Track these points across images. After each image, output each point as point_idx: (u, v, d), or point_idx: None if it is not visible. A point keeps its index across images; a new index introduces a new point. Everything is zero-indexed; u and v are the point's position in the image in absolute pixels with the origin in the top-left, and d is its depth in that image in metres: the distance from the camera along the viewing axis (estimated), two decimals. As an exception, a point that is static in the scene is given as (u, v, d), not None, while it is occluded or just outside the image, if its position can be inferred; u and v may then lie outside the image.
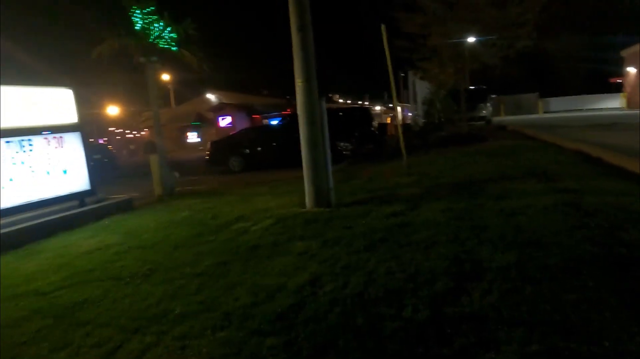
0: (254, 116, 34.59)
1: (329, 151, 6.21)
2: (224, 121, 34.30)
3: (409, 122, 25.57)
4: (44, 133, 6.59)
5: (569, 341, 2.02)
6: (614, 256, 2.97)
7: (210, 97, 39.82)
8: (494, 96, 26.51)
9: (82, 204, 7.18)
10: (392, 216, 4.82)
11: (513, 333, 2.15)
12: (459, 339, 2.17)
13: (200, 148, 31.06)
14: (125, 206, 7.73)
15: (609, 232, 3.44)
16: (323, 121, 6.06)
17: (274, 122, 21.38)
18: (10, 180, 6.04)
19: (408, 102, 25.37)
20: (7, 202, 5.97)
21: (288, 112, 26.89)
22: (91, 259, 4.72)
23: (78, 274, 4.22)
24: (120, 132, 47.22)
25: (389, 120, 12.14)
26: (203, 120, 36.56)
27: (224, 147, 14.43)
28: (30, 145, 6.37)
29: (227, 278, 3.65)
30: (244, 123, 31.90)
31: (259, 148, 13.70)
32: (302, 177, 6.09)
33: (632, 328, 2.09)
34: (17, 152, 6.16)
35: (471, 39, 15.65)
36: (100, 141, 34.78)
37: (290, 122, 14.52)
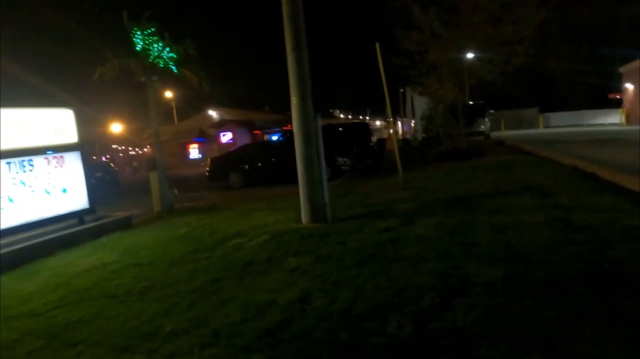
0: (255, 132, 34.91)
1: (324, 167, 6.30)
2: (225, 137, 34.62)
3: (408, 137, 25.73)
4: (45, 153, 6.71)
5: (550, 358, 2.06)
6: (598, 272, 3.00)
7: (212, 113, 40.27)
8: (492, 111, 26.70)
9: (81, 222, 7.26)
10: (385, 232, 4.87)
11: (494, 350, 2.18)
12: (440, 354, 2.20)
13: (202, 164, 31.29)
14: (124, 224, 7.80)
15: (596, 249, 3.48)
16: (318, 138, 6.17)
17: (275, 138, 21.56)
18: (10, 200, 6.14)
19: (407, 117, 25.59)
20: (7, 223, 6.05)
21: (289, 127, 27.16)
22: (88, 277, 4.77)
23: (74, 293, 4.27)
24: (123, 149, 47.67)
25: (393, 135, 12.22)
26: (205, 137, 36.90)
27: (223, 163, 14.55)
28: (31, 165, 6.49)
29: (219, 294, 3.69)
30: (245, 139, 32.18)
31: (259, 164, 13.81)
32: (299, 194, 6.16)
33: (610, 344, 2.12)
34: (17, 173, 6.27)
35: (469, 55, 15.87)
36: (103, 158, 35.10)
37: (290, 138, 14.66)
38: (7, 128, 6.15)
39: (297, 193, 6.26)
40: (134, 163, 36.77)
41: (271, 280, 3.84)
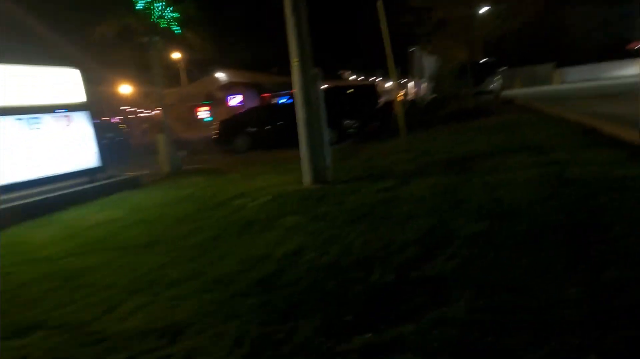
0: (263, 95, 34.57)
1: (325, 130, 6.37)
2: (234, 100, 34.40)
3: (416, 97, 25.29)
4: (53, 111, 6.89)
5: (511, 297, 2.24)
6: (576, 223, 3.15)
7: (220, 76, 39.80)
8: (504, 68, 25.81)
9: (92, 180, 7.54)
10: (381, 192, 5.02)
11: (465, 293, 2.37)
12: (416, 298, 2.39)
13: (212, 127, 31.36)
14: (134, 184, 8.07)
15: (580, 200, 3.61)
16: (319, 100, 6.21)
17: (284, 101, 21.39)
18: (24, 156, 6.40)
19: (418, 77, 25.01)
20: (22, 176, 6.35)
21: (297, 90, 26.79)
22: (99, 231, 5.06)
23: (86, 244, 4.57)
24: (133, 111, 47.77)
25: (400, 97, 11.99)
26: (213, 99, 36.72)
27: (231, 126, 14.60)
28: (39, 122, 6.69)
29: (219, 249, 3.92)
30: (254, 102, 31.95)
31: (266, 127, 13.85)
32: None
33: (568, 285, 2.30)
34: (26, 129, 6.49)
35: (480, 10, 15.29)
36: (113, 120, 35.31)
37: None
38: (14, 84, 6.31)
39: (302, 156, 6.38)
40: (144, 126, 37.02)
41: (268, 237, 4.05)
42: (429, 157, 7.24)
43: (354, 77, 60.92)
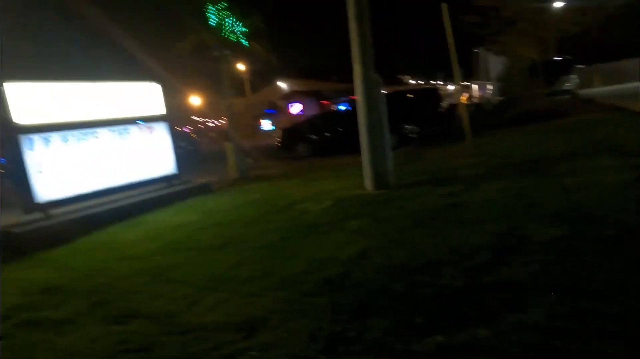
0: (323, 102, 35.14)
1: (387, 134, 6.38)
2: (295, 108, 35.33)
3: (481, 100, 24.22)
4: (138, 123, 7.62)
5: (596, 304, 2.12)
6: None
7: (281, 85, 41.13)
8: (582, 66, 23.85)
9: (169, 186, 8.19)
10: (446, 196, 4.93)
11: (544, 299, 2.28)
12: (490, 303, 2.34)
13: (273, 135, 32.49)
14: (205, 189, 8.63)
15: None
16: (381, 105, 6.24)
17: (343, 107, 21.59)
18: (115, 163, 7.15)
19: (482, 80, 23.96)
20: (111, 182, 7.09)
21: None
22: (178, 232, 5.51)
23: (168, 244, 5.00)
24: (201, 120, 50.84)
25: (463, 99, 11.52)
26: (275, 108, 38.00)
27: (293, 133, 15.06)
28: (128, 133, 7.43)
29: (286, 251, 4.11)
30: (314, 110, 32.57)
31: (326, 134, 14.09)
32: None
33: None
34: (117, 140, 7.24)
35: (555, 5, 14.30)
36: (184, 129, 37.80)
37: (356, 107, 14.67)
38: (106, 99, 7.09)
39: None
40: (212, 134, 39.25)
41: (333, 240, 4.17)
42: (497, 160, 6.95)
43: (413, 81, 59.73)
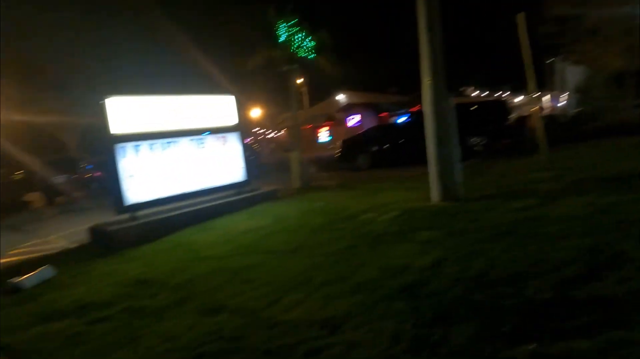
0: (381, 114, 35.08)
1: (456, 146, 6.30)
2: (353, 120, 35.61)
3: (555, 112, 22.83)
4: (214, 133, 8.17)
5: None
6: None
7: (339, 97, 41.69)
8: None
9: (239, 193, 8.65)
10: (522, 210, 4.76)
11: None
12: (583, 317, 2.26)
13: (331, 147, 32.93)
14: (271, 196, 9.00)
15: None
16: (450, 117, 6.19)
17: (402, 120, 21.45)
18: (192, 170, 7.72)
19: (556, 91, 22.63)
20: (188, 188, 7.65)
21: (416, 108, 26.59)
22: (249, 236, 5.82)
23: (241, 246, 5.31)
24: (262, 132, 52.81)
25: (535, 111, 10.90)
26: (333, 120, 38.56)
27: (353, 145, 15.23)
28: (204, 142, 8.00)
29: (356, 258, 4.20)
30: (372, 122, 32.60)
31: (387, 146, 14.10)
32: (428, 173, 6.31)
33: None
34: (195, 149, 7.82)
35: None
36: (247, 140, 39.50)
37: (417, 119, 14.54)
38: (187, 111, 7.71)
39: (425, 174, 6.41)
40: (272, 145, 40.61)
41: (403, 250, 4.20)
42: (577, 174, 6.57)
43: (477, 92, 57.57)
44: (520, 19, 7.32)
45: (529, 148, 11.26)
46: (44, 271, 5.06)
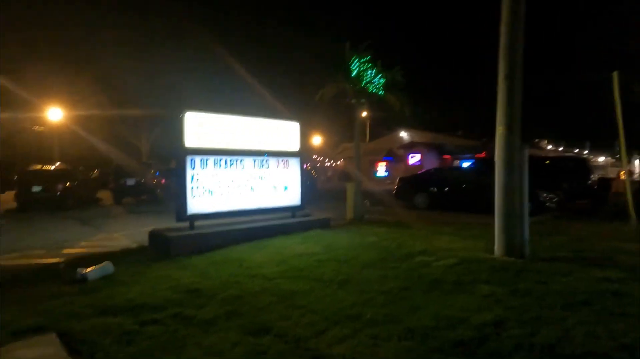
0: (444, 156, 34.29)
1: (527, 201, 5.93)
2: (413, 159, 35.15)
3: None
4: (277, 156, 8.41)
5: None
6: None
7: (403, 134, 41.53)
8: None
9: (293, 216, 8.73)
10: (603, 282, 4.30)
11: None
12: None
13: (388, 182, 32.58)
14: (324, 224, 8.98)
15: None
16: (523, 169, 5.87)
17: (466, 164, 20.80)
18: (252, 189, 7.95)
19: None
20: (249, 205, 7.87)
21: (483, 155, 25.68)
22: (300, 261, 5.79)
23: (291, 269, 5.29)
24: (320, 159, 53.74)
25: (622, 176, 9.93)
26: (393, 156, 38.34)
27: (411, 183, 14.93)
28: (267, 164, 8.24)
29: (409, 301, 4.01)
30: (433, 162, 31.95)
31: (447, 189, 13.65)
32: (489, 224, 5.99)
33: None
34: (258, 168, 8.08)
35: None
36: (305, 166, 40.34)
37: (483, 166, 14.00)
38: (254, 132, 8.03)
39: (487, 224, 6.09)
40: (328, 173, 41.06)
41: (461, 301, 3.94)
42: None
43: (551, 146, 54.44)
44: (615, 77, 6.89)
45: (612, 213, 10.31)
46: (106, 267, 5.34)
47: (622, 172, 7.86)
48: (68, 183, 15.78)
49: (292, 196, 8.74)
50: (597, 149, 52.06)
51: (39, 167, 16.20)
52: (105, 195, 19.59)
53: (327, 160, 54.61)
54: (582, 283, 4.29)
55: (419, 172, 18.63)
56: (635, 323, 3.16)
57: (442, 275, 4.93)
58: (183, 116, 7.01)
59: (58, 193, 15.24)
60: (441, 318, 3.46)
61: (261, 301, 4.05)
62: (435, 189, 13.78)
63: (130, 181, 18.25)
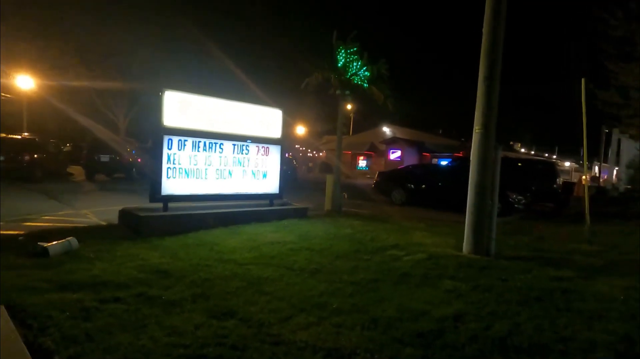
0: (424, 153, 34.79)
1: (496, 201, 6.12)
2: (394, 154, 35.50)
3: (605, 184, 21.74)
4: (257, 142, 8.36)
5: None
6: None
7: (385, 129, 41.81)
8: None
9: (270, 204, 8.74)
10: (556, 280, 4.52)
11: None
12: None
13: (368, 176, 32.86)
14: (301, 213, 9.02)
15: None
16: (495, 170, 6.04)
17: (444, 163, 21.17)
18: (230, 173, 7.90)
19: (609, 163, 21.59)
20: (225, 190, 7.82)
21: (461, 154, 26.17)
22: (273, 248, 5.83)
23: (263, 257, 5.32)
24: (302, 149, 53.61)
25: (584, 181, 10.35)
26: (375, 151, 38.64)
27: (390, 178, 15.10)
28: (247, 149, 8.20)
29: (377, 292, 4.11)
30: (413, 159, 32.37)
31: (424, 186, 13.88)
32: (462, 222, 6.16)
33: None
34: (237, 153, 8.02)
35: None
36: (286, 155, 40.21)
37: (460, 165, 14.27)
38: (235, 117, 7.96)
39: (459, 222, 6.26)
40: (309, 164, 41.06)
41: (425, 294, 4.07)
42: (620, 254, 6.20)
43: (523, 150, 56.15)
44: (583, 84, 7.11)
45: (573, 216, 10.74)
46: (70, 242, 5.20)
47: (584, 177, 8.19)
48: (36, 154, 15.24)
49: (270, 184, 8.73)
50: (564, 154, 54.09)
51: (2, 135, 15.56)
52: (77, 171, 19.07)
53: (309, 150, 54.56)
54: (538, 280, 4.49)
55: (398, 168, 18.86)
56: (576, 317, 3.36)
57: (411, 269, 5.05)
58: (163, 94, 6.89)
59: (25, 164, 14.69)
60: (405, 310, 3.56)
61: (230, 286, 4.07)
62: (413, 185, 13.99)
63: (105, 158, 17.78)
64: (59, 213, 8.68)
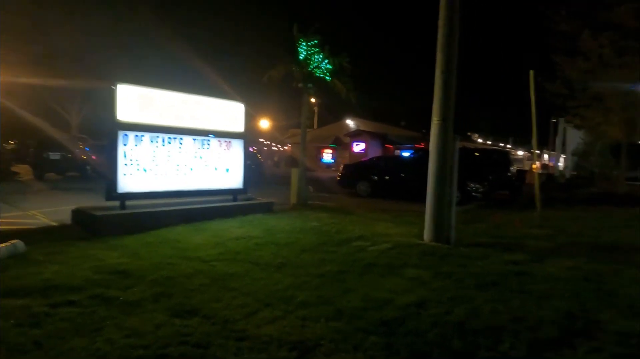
0: (387, 145, 35.39)
1: (455, 190, 6.33)
2: (358, 147, 35.89)
3: (553, 171, 23.09)
4: (219, 136, 8.20)
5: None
6: None
7: (349, 122, 42.15)
8: None
9: (234, 199, 8.61)
10: (510, 264, 4.76)
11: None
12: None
13: (333, 169, 33.06)
14: (267, 208, 8.96)
15: None
16: (453, 161, 6.24)
17: (406, 154, 21.65)
18: (191, 169, 7.71)
19: (556, 151, 22.89)
20: (186, 186, 7.63)
21: (422, 145, 26.84)
22: (238, 244, 5.76)
23: (228, 253, 5.24)
24: (267, 144, 53.14)
25: (534, 168, 10.94)
26: (339, 144, 38.87)
27: (355, 171, 15.28)
28: (208, 144, 8.02)
29: (342, 283, 4.16)
30: (376, 151, 32.86)
31: (387, 177, 14.15)
32: (425, 212, 6.32)
33: None
34: (198, 149, 7.84)
35: None
36: (251, 149, 39.69)
37: (421, 156, 14.64)
38: (195, 111, 7.75)
39: (422, 211, 6.43)
40: (275, 158, 40.75)
41: (390, 283, 4.17)
42: (567, 237, 6.61)
43: (480, 140, 58.53)
44: (532, 75, 7.47)
45: (526, 203, 11.32)
46: (15, 245, 4.88)
47: (534, 165, 8.66)
48: None
49: (234, 179, 8.60)
50: (518, 144, 56.97)
51: None
52: (24, 169, 17.95)
53: (275, 144, 54.13)
54: (494, 265, 4.72)
55: (362, 160, 19.08)
56: (527, 298, 3.58)
57: (376, 259, 5.15)
58: (115, 88, 6.59)
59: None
60: (370, 300, 3.64)
61: (193, 283, 3.99)
62: (377, 177, 14.22)
63: (55, 155, 16.80)
64: (4, 215, 8.11)
